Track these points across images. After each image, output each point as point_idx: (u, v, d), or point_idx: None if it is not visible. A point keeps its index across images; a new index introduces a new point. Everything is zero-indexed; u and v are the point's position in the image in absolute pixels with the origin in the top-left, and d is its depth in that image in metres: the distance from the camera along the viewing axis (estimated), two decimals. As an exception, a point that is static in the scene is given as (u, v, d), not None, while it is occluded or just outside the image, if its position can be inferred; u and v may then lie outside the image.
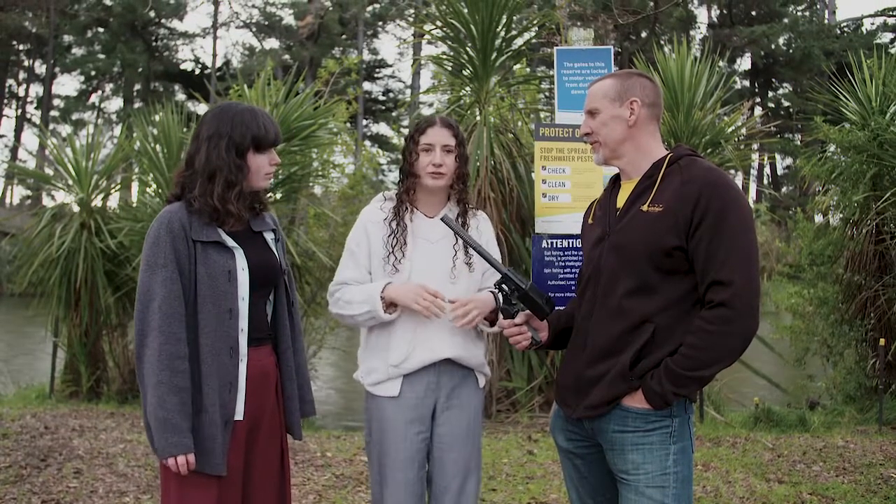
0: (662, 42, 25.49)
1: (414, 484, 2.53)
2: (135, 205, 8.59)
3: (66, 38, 37.51)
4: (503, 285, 2.34)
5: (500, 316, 2.41)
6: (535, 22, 7.88)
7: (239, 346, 2.28)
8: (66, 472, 4.80)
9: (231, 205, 2.28)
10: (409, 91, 37.72)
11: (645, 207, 2.11)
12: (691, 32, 33.35)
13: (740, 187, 3.39)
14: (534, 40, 8.26)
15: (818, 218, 8.48)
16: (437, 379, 2.57)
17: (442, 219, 2.46)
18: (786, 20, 32.65)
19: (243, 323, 2.29)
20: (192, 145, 2.35)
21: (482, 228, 2.72)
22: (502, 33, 7.05)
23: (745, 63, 35.84)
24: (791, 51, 32.64)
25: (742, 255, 2.01)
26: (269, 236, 2.44)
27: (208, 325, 2.23)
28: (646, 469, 2.07)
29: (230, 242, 2.30)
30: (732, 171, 7.75)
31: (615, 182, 2.31)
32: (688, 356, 2.00)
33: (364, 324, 2.58)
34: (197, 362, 2.21)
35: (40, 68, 38.49)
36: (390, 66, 41.07)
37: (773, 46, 33.03)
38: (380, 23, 38.72)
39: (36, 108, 39.05)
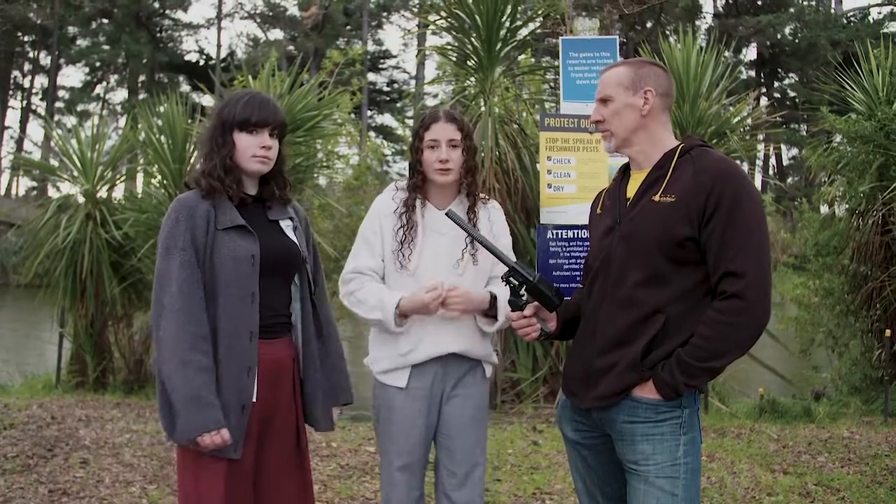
0: (668, 32, 25.40)
1: (418, 466, 2.60)
2: (140, 196, 8.60)
3: (71, 30, 37.56)
4: (511, 278, 2.32)
5: (508, 308, 2.39)
6: (539, 12, 7.84)
7: (258, 331, 2.28)
8: (73, 462, 4.82)
9: (213, 178, 2.29)
10: (413, 82, 37.70)
11: (656, 197, 2.10)
12: (697, 22, 33.15)
13: (748, 178, 3.38)
14: (539, 30, 8.23)
15: (824, 208, 8.45)
16: (443, 370, 2.58)
17: (447, 213, 2.44)
18: (792, 9, 32.45)
19: None
20: None
21: (494, 218, 2.71)
22: (507, 23, 7.02)
23: (750, 53, 35.67)
24: (797, 40, 32.49)
25: (755, 246, 2.00)
26: (284, 223, 2.43)
27: (229, 309, 2.22)
28: (656, 460, 2.06)
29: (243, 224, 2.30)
30: (738, 162, 7.72)
31: (625, 172, 2.29)
32: (700, 347, 2.00)
33: (372, 325, 2.61)
34: (214, 346, 2.21)
35: (45, 59, 38.56)
36: (395, 56, 41.23)
37: (778, 36, 32.85)
38: (384, 13, 38.71)
39: (41, 99, 39.15)
